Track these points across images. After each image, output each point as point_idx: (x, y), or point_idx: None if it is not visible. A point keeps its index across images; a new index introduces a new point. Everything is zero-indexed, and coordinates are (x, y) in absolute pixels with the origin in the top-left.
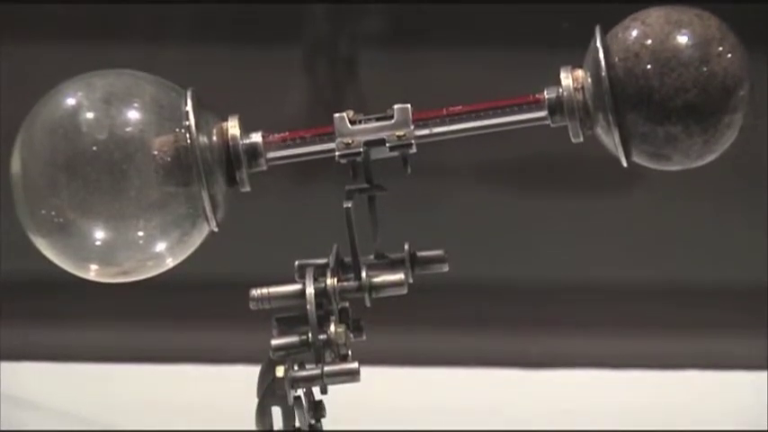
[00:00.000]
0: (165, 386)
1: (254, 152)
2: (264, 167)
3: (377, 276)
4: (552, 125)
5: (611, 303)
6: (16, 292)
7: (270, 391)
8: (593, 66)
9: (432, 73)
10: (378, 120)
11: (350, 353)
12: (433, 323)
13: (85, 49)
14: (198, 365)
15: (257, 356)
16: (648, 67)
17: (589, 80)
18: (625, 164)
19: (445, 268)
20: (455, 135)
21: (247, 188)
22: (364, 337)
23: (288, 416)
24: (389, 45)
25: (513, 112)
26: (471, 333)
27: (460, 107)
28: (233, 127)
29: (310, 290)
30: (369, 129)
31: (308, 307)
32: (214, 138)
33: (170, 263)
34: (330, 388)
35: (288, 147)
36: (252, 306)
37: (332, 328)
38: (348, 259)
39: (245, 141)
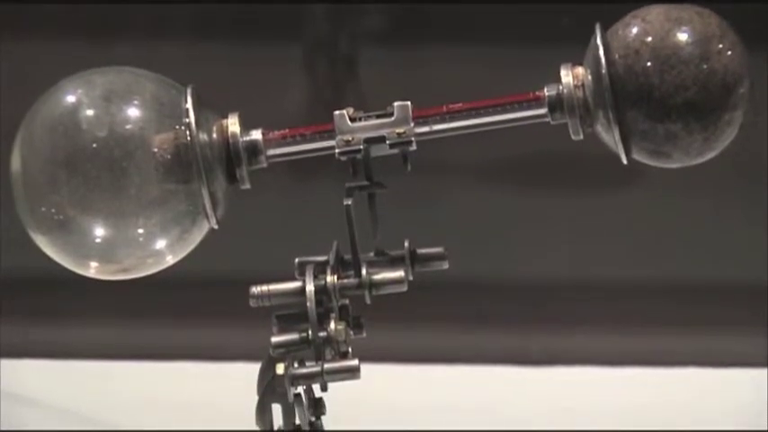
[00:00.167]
0: (165, 383)
1: (254, 149)
2: (264, 165)
3: (377, 273)
4: (552, 122)
5: (610, 301)
6: (16, 289)
7: (270, 389)
8: (594, 63)
9: (431, 71)
10: (378, 117)
11: (350, 350)
12: (433, 320)
13: (85, 47)
14: (198, 363)
15: (257, 354)
16: (648, 64)
17: (589, 77)
18: (625, 161)
19: (445, 265)
20: (455, 132)
21: (247, 185)
22: (364, 335)
23: (288, 413)
24: (389, 43)
25: (513, 110)
26: (471, 330)
27: (460, 104)
28: (233, 124)
29: (310, 287)
30: (369, 126)
31: (308, 304)
32: (214, 135)
33: (170, 260)
34: (330, 385)
35: (288, 144)
36: (252, 303)
37: (332, 325)
38: (348, 256)
39: (245, 138)
